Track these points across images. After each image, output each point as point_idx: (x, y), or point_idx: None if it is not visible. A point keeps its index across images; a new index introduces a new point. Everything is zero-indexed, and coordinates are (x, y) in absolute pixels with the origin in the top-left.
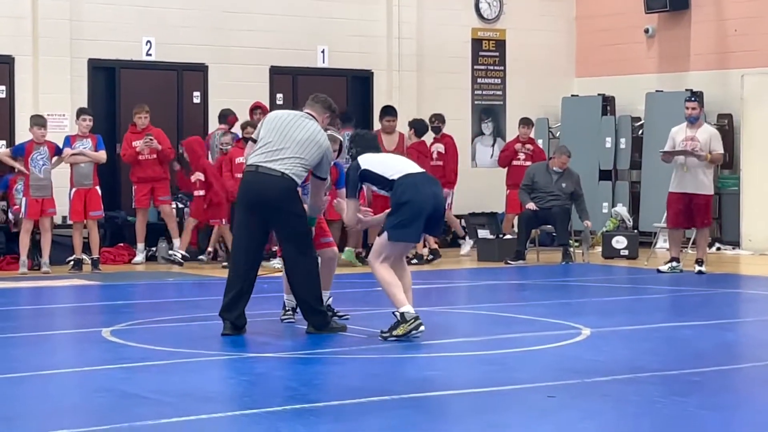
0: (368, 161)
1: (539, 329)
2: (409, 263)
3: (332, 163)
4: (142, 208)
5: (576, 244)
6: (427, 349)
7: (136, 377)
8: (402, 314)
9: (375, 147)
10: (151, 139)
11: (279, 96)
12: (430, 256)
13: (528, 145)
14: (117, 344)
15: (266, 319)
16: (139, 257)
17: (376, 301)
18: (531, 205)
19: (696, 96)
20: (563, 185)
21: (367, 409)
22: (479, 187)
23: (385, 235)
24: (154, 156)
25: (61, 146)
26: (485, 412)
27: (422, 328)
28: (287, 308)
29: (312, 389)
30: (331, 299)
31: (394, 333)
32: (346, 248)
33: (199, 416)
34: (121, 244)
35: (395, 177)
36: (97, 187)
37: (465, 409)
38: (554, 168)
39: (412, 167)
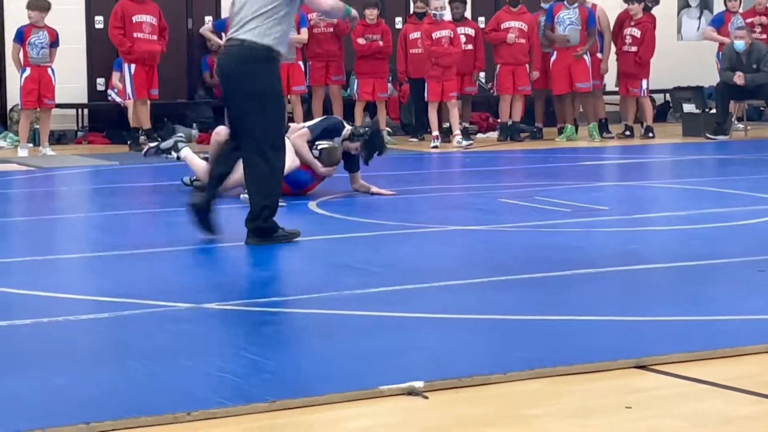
0: None
1: (747, 203)
2: (622, 135)
3: None
4: (317, 86)
5: None
6: (631, 223)
7: (342, 248)
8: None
9: None
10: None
11: None
12: (650, 134)
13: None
14: (323, 216)
15: (471, 193)
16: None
17: (579, 175)
18: (738, 79)
19: None
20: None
21: (571, 281)
22: (685, 60)
23: None
24: (330, 30)
25: None
26: (692, 284)
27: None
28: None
29: (517, 262)
30: None
31: None
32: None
33: (405, 286)
34: None
35: None
36: (300, 62)
37: (671, 281)
38: (736, 43)
39: None
